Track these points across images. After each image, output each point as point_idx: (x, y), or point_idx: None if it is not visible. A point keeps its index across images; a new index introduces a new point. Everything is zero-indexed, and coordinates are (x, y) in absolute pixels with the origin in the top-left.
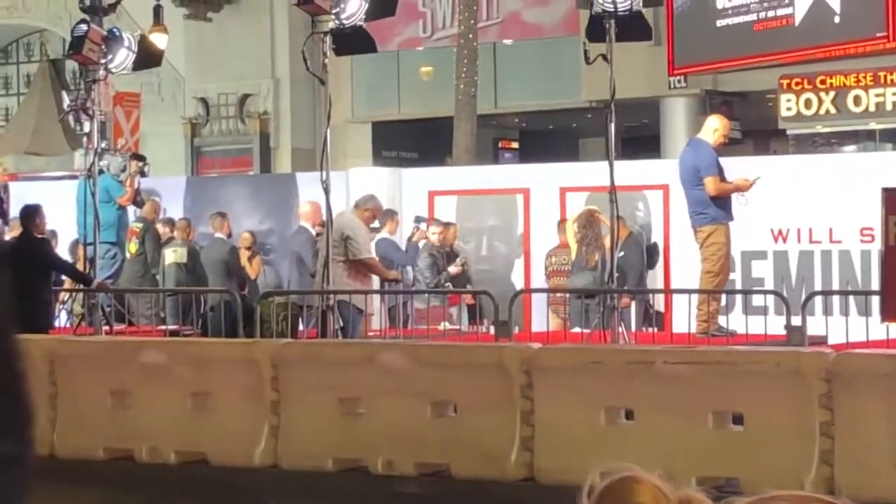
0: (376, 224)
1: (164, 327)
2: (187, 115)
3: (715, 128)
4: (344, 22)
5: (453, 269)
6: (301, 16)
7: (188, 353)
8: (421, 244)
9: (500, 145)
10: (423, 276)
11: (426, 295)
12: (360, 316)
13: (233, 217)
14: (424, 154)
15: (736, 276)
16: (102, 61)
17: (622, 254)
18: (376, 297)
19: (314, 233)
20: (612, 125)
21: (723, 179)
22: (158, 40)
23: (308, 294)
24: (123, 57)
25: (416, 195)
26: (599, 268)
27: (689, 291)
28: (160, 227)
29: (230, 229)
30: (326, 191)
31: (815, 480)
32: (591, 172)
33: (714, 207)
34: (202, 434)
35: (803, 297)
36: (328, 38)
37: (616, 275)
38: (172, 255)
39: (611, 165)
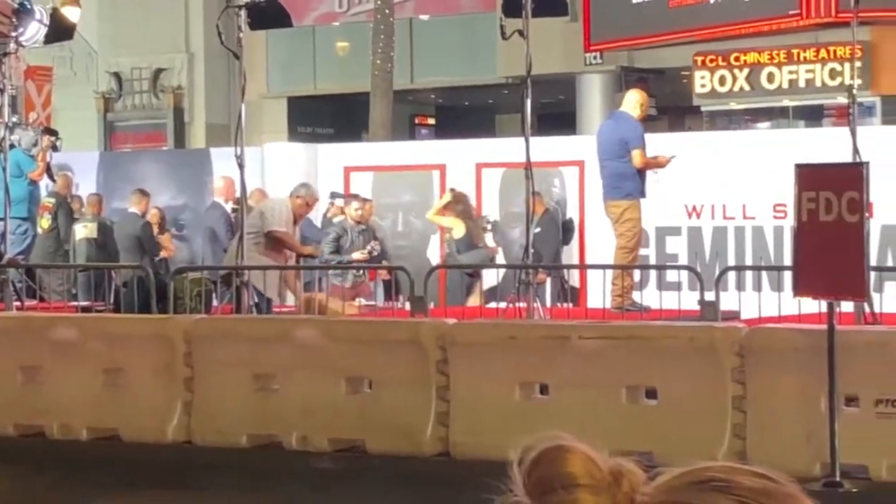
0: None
1: (75, 303)
2: (100, 89)
3: (637, 101)
4: None
5: (357, 254)
6: None
7: (100, 329)
8: (336, 220)
9: (416, 121)
10: (322, 252)
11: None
12: (263, 298)
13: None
14: (340, 130)
15: (650, 252)
16: (13, 34)
17: (538, 230)
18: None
19: (228, 208)
20: (529, 101)
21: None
22: (71, 13)
23: (222, 269)
24: (34, 30)
25: (332, 171)
26: (485, 244)
27: (604, 267)
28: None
29: (148, 207)
30: (241, 166)
31: (727, 454)
32: (507, 148)
33: (632, 182)
34: (114, 410)
35: (717, 272)
36: (243, 13)
37: (532, 250)
38: (83, 231)
39: (527, 142)
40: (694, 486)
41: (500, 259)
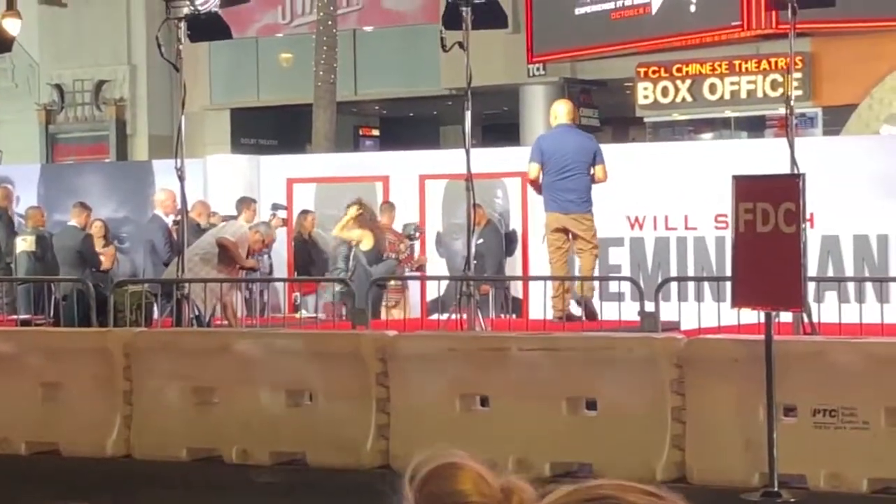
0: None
1: (15, 316)
2: (42, 101)
3: (569, 111)
4: (199, 8)
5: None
6: (157, 2)
7: (39, 342)
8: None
9: (360, 132)
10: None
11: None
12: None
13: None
14: (284, 141)
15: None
16: None
17: (481, 241)
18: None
19: (169, 221)
20: (469, 113)
21: None
22: (11, 26)
23: (162, 283)
24: None
25: (275, 183)
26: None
27: (546, 278)
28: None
29: (88, 220)
30: (181, 178)
31: (667, 465)
32: (450, 160)
33: (591, 195)
34: (54, 424)
35: (658, 282)
36: (183, 25)
37: (474, 262)
38: (22, 244)
39: (467, 153)
40: (583, 503)
41: (442, 270)
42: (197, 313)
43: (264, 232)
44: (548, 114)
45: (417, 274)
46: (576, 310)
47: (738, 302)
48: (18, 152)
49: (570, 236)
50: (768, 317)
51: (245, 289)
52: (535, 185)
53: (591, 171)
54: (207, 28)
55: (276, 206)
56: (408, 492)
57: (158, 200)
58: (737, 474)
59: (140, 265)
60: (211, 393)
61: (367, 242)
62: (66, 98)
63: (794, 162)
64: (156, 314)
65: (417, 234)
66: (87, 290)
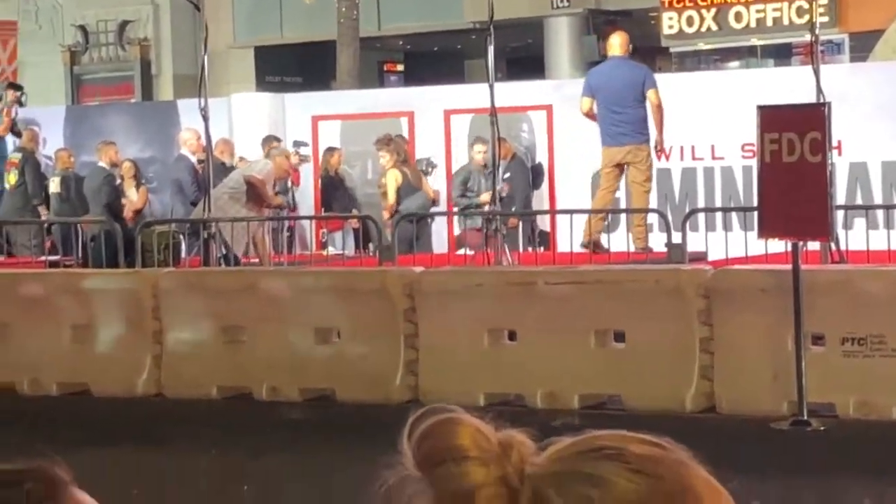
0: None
1: (44, 258)
2: (66, 42)
3: (621, 43)
4: None
5: (485, 196)
6: None
7: (68, 284)
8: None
9: (385, 68)
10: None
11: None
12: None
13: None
14: (309, 78)
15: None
16: None
17: (508, 175)
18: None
19: (194, 160)
20: (492, 47)
21: None
22: None
23: (190, 222)
24: None
25: (300, 120)
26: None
27: (572, 211)
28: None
29: (116, 158)
30: (205, 118)
31: (695, 395)
32: (475, 94)
33: (648, 127)
34: (84, 365)
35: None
36: None
37: (501, 196)
38: (51, 185)
39: (491, 88)
40: (584, 455)
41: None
42: (224, 252)
43: (282, 155)
44: (572, 46)
45: (444, 209)
46: (606, 241)
47: (764, 232)
48: (43, 94)
49: (625, 168)
50: (795, 247)
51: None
52: (590, 117)
53: (645, 103)
54: None
55: (297, 144)
56: (406, 448)
57: (184, 140)
58: (766, 404)
59: (167, 205)
60: (240, 331)
61: (398, 177)
62: (91, 39)
63: (819, 90)
64: (183, 254)
65: (430, 170)
66: (115, 230)
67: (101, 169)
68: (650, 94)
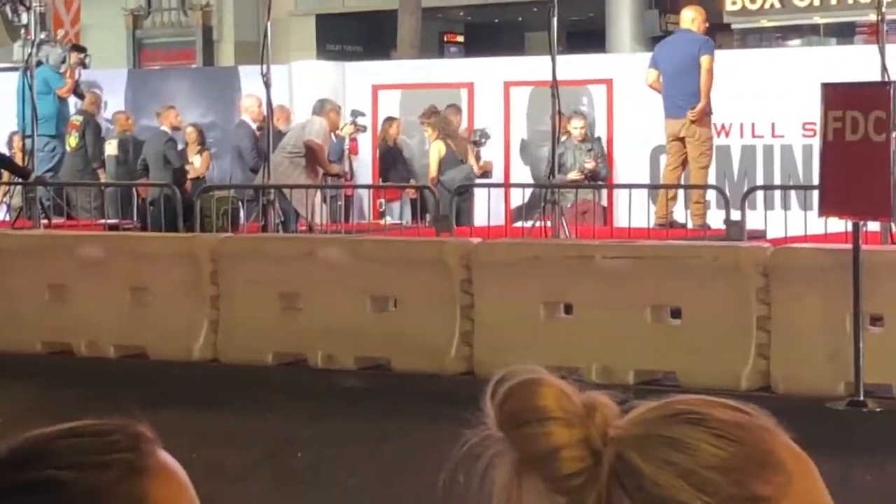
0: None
1: (103, 221)
2: (129, 6)
3: (691, 18)
4: None
5: (574, 174)
6: None
7: (126, 247)
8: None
9: (445, 39)
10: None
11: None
12: (297, 218)
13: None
14: (369, 47)
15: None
16: None
17: (591, 150)
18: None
19: (255, 127)
20: (555, 20)
21: None
22: None
23: (248, 188)
24: None
25: (360, 90)
26: (472, 160)
27: (632, 186)
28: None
29: (178, 122)
30: (267, 85)
31: (751, 374)
32: (535, 67)
33: (706, 102)
34: (141, 328)
35: (744, 191)
36: None
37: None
38: (108, 148)
39: (553, 61)
40: (667, 419)
41: (526, 177)
42: (283, 219)
43: (334, 111)
44: (633, 20)
45: (501, 181)
46: (680, 217)
47: (825, 211)
48: (105, 57)
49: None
50: (856, 226)
51: (330, 195)
52: (655, 88)
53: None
54: None
55: (355, 113)
56: (489, 408)
57: (245, 107)
58: (822, 383)
59: (226, 171)
60: (297, 298)
61: (441, 149)
62: (153, 3)
63: (884, 69)
64: (242, 219)
65: (484, 140)
66: (174, 194)
67: (162, 133)
68: (703, 59)
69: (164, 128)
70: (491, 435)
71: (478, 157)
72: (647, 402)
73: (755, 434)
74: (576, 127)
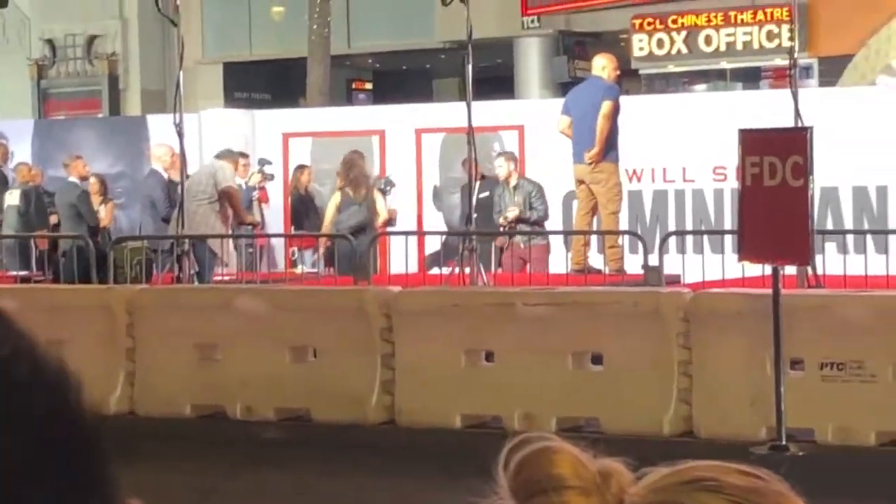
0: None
1: (14, 273)
2: (34, 56)
3: (602, 65)
4: None
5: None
6: None
7: (41, 299)
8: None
9: (353, 86)
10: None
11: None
12: (215, 259)
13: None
14: (278, 95)
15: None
16: None
17: (485, 194)
18: (230, 242)
19: (166, 176)
20: (470, 66)
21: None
22: None
23: (163, 238)
24: None
25: (270, 137)
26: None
27: (547, 233)
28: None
29: (86, 172)
30: (180, 134)
31: (674, 419)
32: (446, 113)
33: (614, 146)
34: None
35: (657, 235)
36: None
37: (475, 216)
38: (8, 198)
39: (468, 106)
40: (683, 486)
41: (439, 224)
42: (197, 269)
43: (236, 154)
44: (542, 66)
45: (414, 230)
46: (595, 263)
47: (744, 255)
48: (10, 108)
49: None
50: (775, 271)
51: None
52: (566, 135)
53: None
54: None
55: (262, 162)
56: (501, 478)
57: (156, 156)
58: (744, 428)
59: (135, 220)
60: (214, 349)
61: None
62: (58, 53)
63: (797, 114)
64: (155, 271)
65: (389, 189)
66: (87, 246)
67: (72, 184)
68: (603, 104)
69: (73, 179)
70: None
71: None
72: (661, 469)
73: (771, 499)
74: (499, 166)
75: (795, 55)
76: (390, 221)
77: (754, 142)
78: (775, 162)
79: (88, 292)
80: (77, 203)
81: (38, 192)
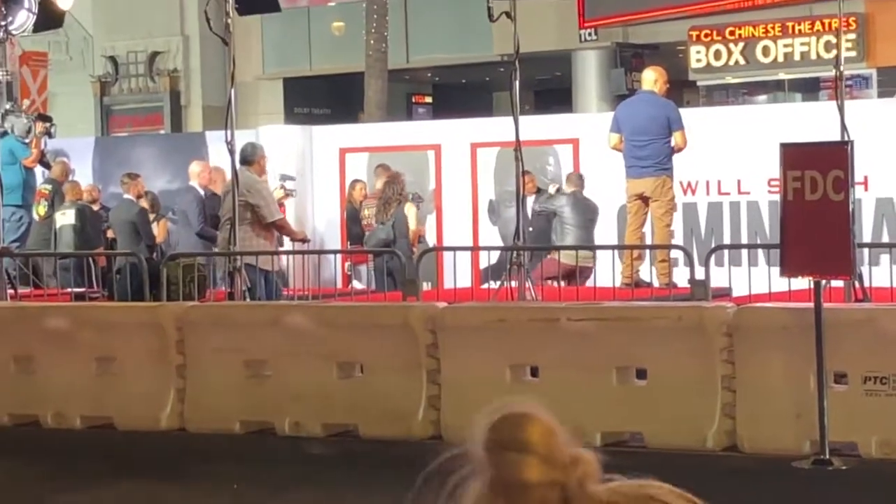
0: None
1: (70, 290)
2: (96, 73)
3: (653, 79)
4: None
5: None
6: None
7: (93, 317)
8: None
9: (413, 100)
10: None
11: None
12: (269, 276)
13: (144, 177)
14: (337, 110)
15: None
16: (2, 24)
17: (541, 209)
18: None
19: (202, 192)
20: (517, 81)
21: None
22: (61, 0)
23: (214, 255)
24: (24, 18)
25: (328, 153)
26: (392, 221)
27: (597, 248)
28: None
29: (141, 190)
30: (231, 152)
31: (717, 433)
32: (502, 127)
33: (672, 161)
34: (108, 398)
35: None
36: None
37: (530, 230)
38: (61, 218)
39: (516, 122)
40: (639, 498)
41: (495, 238)
42: (249, 286)
43: (262, 154)
44: (599, 79)
45: (469, 245)
46: (645, 276)
47: (787, 270)
48: (73, 125)
49: (647, 202)
50: (817, 285)
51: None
52: (618, 150)
53: (670, 138)
54: (256, 1)
55: (284, 178)
56: (476, 434)
57: (192, 172)
58: (788, 442)
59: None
60: (263, 365)
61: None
62: (121, 70)
63: (843, 128)
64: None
65: (418, 205)
66: (140, 263)
67: (130, 201)
68: (676, 135)
69: (130, 196)
70: (473, 452)
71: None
72: (625, 479)
73: None
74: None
75: (842, 67)
76: (420, 240)
77: (795, 156)
78: (816, 176)
79: (139, 309)
80: (136, 221)
81: (92, 210)
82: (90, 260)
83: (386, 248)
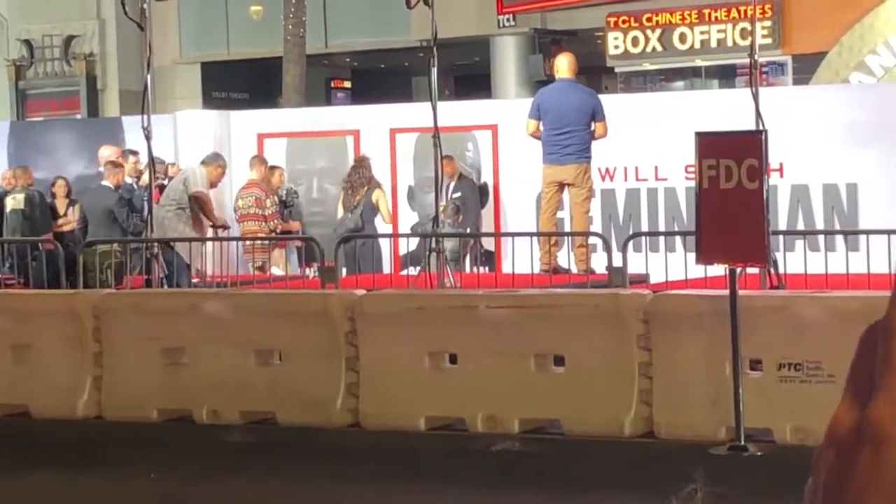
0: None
1: None
2: (11, 57)
3: (568, 64)
4: None
5: None
6: None
7: (8, 305)
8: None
9: (332, 85)
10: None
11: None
12: (185, 267)
13: (59, 162)
14: (256, 95)
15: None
16: None
17: (458, 194)
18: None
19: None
20: (435, 68)
21: None
22: None
23: (131, 242)
24: None
25: (245, 138)
26: (360, 208)
27: (515, 234)
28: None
29: (122, 179)
30: (148, 137)
31: (634, 420)
32: (421, 113)
33: (591, 149)
34: (24, 387)
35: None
36: None
37: (450, 214)
38: (11, 202)
39: (434, 108)
40: None
41: (413, 224)
42: (167, 272)
43: (223, 163)
44: (518, 64)
45: (389, 231)
46: (563, 262)
47: (702, 258)
48: None
49: (565, 188)
50: (732, 272)
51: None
52: (536, 137)
53: (592, 127)
54: None
55: (290, 192)
56: None
57: (102, 157)
58: (704, 429)
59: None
60: (181, 353)
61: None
62: (36, 54)
63: (758, 116)
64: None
65: (291, 201)
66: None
67: (108, 189)
68: (599, 126)
69: (107, 183)
70: None
71: (276, 211)
72: None
73: None
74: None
75: (757, 55)
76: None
77: (710, 145)
78: (731, 165)
79: (55, 297)
80: (113, 208)
81: (41, 196)
82: (35, 246)
83: (304, 237)
